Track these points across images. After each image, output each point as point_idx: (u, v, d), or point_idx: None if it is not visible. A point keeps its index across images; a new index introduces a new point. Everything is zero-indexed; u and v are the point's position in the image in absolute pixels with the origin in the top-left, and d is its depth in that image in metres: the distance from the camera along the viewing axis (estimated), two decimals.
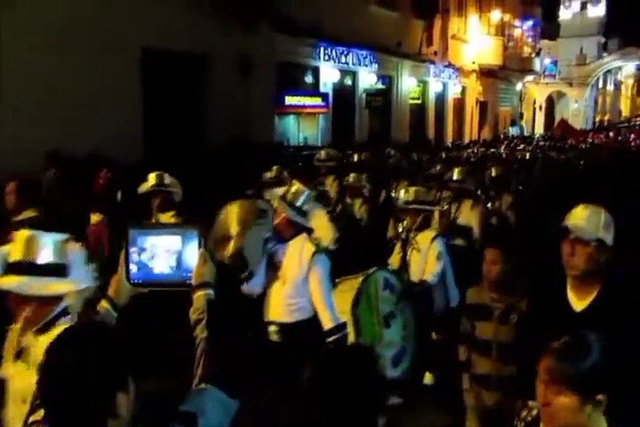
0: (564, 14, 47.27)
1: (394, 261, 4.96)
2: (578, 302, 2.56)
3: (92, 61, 9.47)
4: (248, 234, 3.61)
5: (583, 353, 1.75)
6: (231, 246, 3.32)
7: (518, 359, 2.74)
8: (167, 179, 5.42)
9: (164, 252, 2.02)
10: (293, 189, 3.94)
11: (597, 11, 46.83)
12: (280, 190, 3.96)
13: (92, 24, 9.40)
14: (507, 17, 28.34)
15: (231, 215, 3.53)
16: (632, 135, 32.17)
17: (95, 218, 6.97)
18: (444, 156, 11.74)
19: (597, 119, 50.61)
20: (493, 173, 7.58)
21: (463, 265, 4.91)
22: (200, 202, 4.68)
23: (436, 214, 6.23)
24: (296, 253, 3.74)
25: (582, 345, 1.77)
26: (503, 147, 20.47)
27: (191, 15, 10.91)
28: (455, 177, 6.44)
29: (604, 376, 1.74)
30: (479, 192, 7.28)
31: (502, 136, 28.19)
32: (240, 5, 12.11)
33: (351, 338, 3.83)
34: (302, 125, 16.03)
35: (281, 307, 3.77)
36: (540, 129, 40.83)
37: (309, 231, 3.88)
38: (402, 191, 5.62)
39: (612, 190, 9.45)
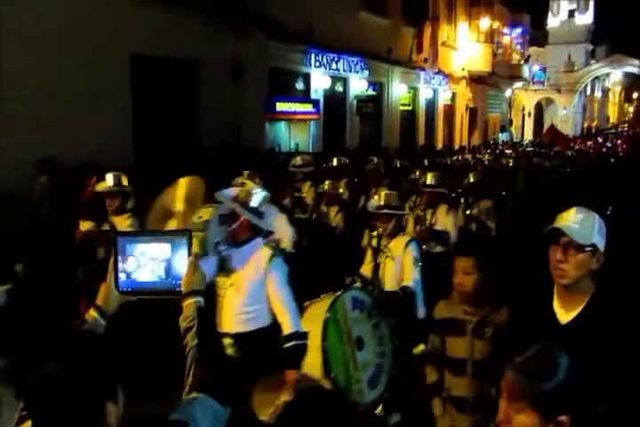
0: (553, 22, 47.72)
1: (365, 270, 4.76)
2: (564, 314, 2.31)
3: (84, 66, 9.45)
4: (210, 223, 3.54)
5: (547, 369, 1.62)
6: (176, 224, 3.23)
7: (492, 376, 2.47)
8: (125, 179, 5.34)
9: (153, 259, 2.00)
10: (246, 188, 3.67)
11: (585, 18, 47.31)
12: (232, 191, 3.67)
13: (83, 29, 9.40)
14: (496, 24, 28.58)
15: (179, 191, 3.43)
16: (619, 141, 32.39)
17: (85, 225, 6.94)
18: (426, 162, 11.65)
19: (585, 125, 51.05)
20: (471, 179, 7.61)
21: (442, 272, 4.82)
22: None
23: (411, 221, 6.20)
24: (252, 259, 3.53)
25: (547, 360, 1.64)
26: (487, 153, 20.49)
27: (184, 21, 10.92)
28: (428, 182, 6.33)
29: (569, 396, 1.62)
30: (462, 200, 7.30)
31: (491, 142, 28.34)
32: (232, 12, 12.15)
33: (320, 373, 3.65)
34: (293, 132, 16.05)
35: (236, 316, 3.54)
36: (529, 135, 41.11)
37: (267, 234, 3.69)
38: (374, 197, 5.52)
39: (600, 195, 9.50)
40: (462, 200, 7.26)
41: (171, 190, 3.52)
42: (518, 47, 34.39)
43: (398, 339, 4.25)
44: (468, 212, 6.90)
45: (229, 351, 3.56)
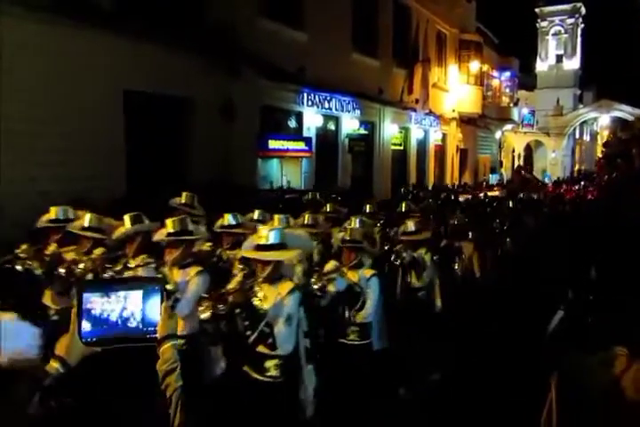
0: (541, 66, 48.92)
1: None
2: None
3: (77, 102, 9.47)
4: None
5: None
6: None
7: None
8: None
9: (123, 308, 1.89)
10: None
11: (572, 64, 48.54)
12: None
13: (76, 66, 9.45)
14: (485, 67, 29.20)
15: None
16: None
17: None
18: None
19: (576, 168, 51.60)
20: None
21: None
22: None
23: None
24: None
25: None
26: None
27: (177, 59, 11.03)
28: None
29: None
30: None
31: (484, 183, 28.48)
32: (225, 50, 12.30)
33: None
34: (285, 169, 16.08)
35: None
36: None
37: None
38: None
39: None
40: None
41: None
42: (507, 90, 35.06)
43: None
44: None
45: None
